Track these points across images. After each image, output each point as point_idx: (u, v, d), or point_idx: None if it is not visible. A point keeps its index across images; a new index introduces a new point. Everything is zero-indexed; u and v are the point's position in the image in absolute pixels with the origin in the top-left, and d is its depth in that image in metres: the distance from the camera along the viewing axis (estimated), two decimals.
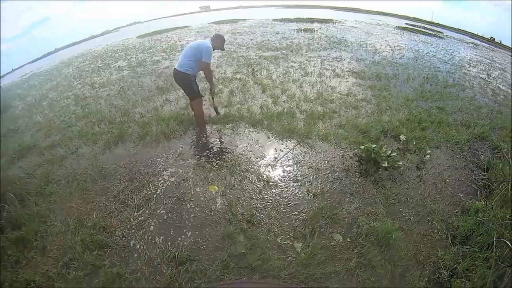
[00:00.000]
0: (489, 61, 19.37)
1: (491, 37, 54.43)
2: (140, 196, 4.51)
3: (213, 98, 6.80)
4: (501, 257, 3.29)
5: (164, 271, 3.26)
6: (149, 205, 4.30)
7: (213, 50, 5.81)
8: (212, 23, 34.78)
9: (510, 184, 4.50)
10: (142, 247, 3.63)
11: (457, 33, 48.76)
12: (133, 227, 3.93)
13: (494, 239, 3.47)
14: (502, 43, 49.90)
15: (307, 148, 5.61)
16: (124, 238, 3.77)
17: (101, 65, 17.69)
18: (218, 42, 5.94)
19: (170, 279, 3.15)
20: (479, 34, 54.82)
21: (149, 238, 3.75)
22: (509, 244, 3.28)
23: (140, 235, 3.80)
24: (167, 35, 28.57)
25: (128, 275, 3.25)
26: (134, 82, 11.44)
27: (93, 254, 3.49)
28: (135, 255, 3.54)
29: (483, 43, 38.68)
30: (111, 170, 5.24)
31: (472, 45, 30.42)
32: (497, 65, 18.76)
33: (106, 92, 10.72)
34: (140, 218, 4.07)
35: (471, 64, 16.22)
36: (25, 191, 4.84)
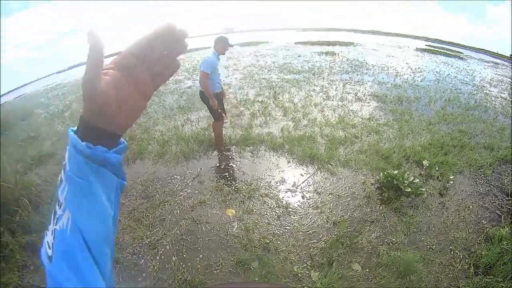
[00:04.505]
0: (510, 80, 19.12)
1: (511, 55, 53.77)
2: (155, 214, 4.54)
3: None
4: None
5: None
6: (164, 225, 4.31)
7: (218, 55, 5.61)
8: (235, 44, 35.01)
9: None
10: (153, 267, 3.63)
11: (476, 52, 48.37)
12: (146, 245, 3.94)
13: None
14: None
15: (328, 174, 5.58)
16: (135, 256, 3.79)
17: None
18: (220, 46, 5.61)
19: None
20: (498, 53, 54.25)
21: (162, 258, 3.76)
22: None
23: (152, 254, 3.81)
24: (190, 55, 28.74)
25: None
26: (156, 100, 11.43)
27: None
28: (144, 274, 3.55)
29: (503, 61, 38.20)
30: (128, 186, 5.25)
31: (492, 64, 30.09)
32: None
33: None
34: (153, 237, 4.08)
35: (492, 84, 16.01)
36: (40, 198, 4.93)
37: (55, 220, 0.57)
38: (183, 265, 3.64)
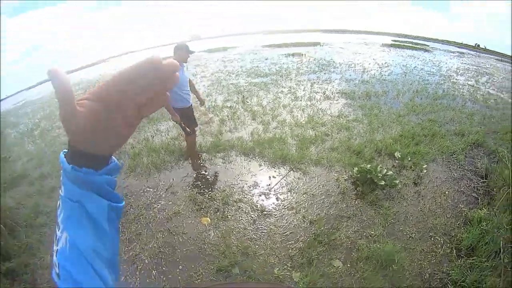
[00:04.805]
0: (476, 68, 19.62)
1: (476, 44, 55.11)
2: (131, 229, 4.42)
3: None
4: (510, 263, 3.20)
5: None
6: (140, 239, 4.21)
7: (180, 64, 4.93)
8: (202, 51, 34.81)
9: (510, 186, 4.42)
10: (134, 282, 3.55)
11: (442, 44, 49.33)
12: (124, 261, 3.84)
13: (501, 246, 3.39)
14: (486, 48, 50.52)
15: (301, 173, 5.54)
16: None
17: None
18: (180, 54, 5.00)
19: None
20: (463, 43, 55.48)
21: (141, 273, 3.67)
22: None
23: (131, 270, 3.72)
24: None
25: None
26: None
27: None
28: None
29: (469, 51, 39.17)
30: None
31: (457, 54, 30.82)
32: (484, 70, 19.03)
33: None
34: (131, 253, 3.97)
35: (459, 73, 16.43)
36: (15, 222, 4.79)
37: (57, 241, 0.61)
38: (164, 278, 3.57)
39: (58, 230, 0.61)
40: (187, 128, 5.59)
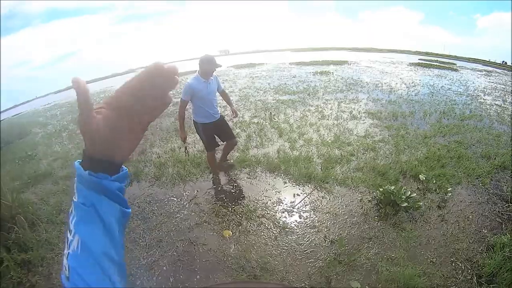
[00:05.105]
0: (503, 86, 19.20)
1: (503, 61, 54.00)
2: (152, 236, 4.52)
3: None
4: None
5: None
6: (161, 246, 4.29)
7: (204, 78, 4.98)
8: (230, 67, 34.91)
9: None
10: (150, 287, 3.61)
11: (469, 62, 48.46)
12: (142, 266, 3.93)
13: None
14: None
15: (325, 193, 5.54)
16: (131, 277, 3.76)
17: None
18: (205, 68, 4.91)
19: None
20: (490, 60, 54.50)
21: (158, 279, 3.74)
22: None
23: (149, 275, 3.79)
24: (186, 77, 28.49)
25: None
26: (152, 122, 11.31)
27: None
28: None
29: (496, 69, 38.36)
30: None
31: (485, 72, 30.25)
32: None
33: None
34: (150, 258, 4.06)
35: (486, 92, 16.11)
36: (37, 216, 4.95)
37: (68, 245, 0.64)
38: (181, 286, 3.62)
39: (70, 234, 0.64)
40: (187, 150, 5.72)
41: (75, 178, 0.65)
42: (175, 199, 5.54)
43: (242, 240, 4.36)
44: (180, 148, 8.13)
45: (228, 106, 6.13)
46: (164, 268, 3.91)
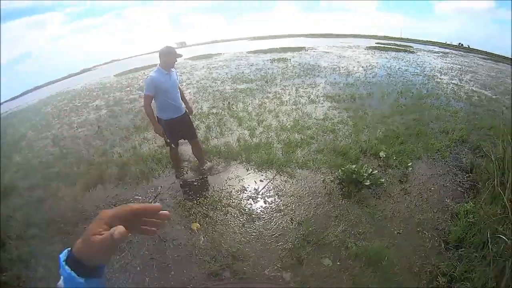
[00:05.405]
0: (459, 66, 19.85)
1: (459, 43, 55.54)
2: None
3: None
4: (498, 253, 3.23)
5: None
6: (132, 247, 4.19)
7: (167, 69, 4.83)
8: (187, 59, 34.52)
9: (495, 179, 4.46)
10: None
11: (426, 45, 49.58)
12: (117, 269, 3.83)
13: (488, 236, 3.42)
14: (470, 47, 51.02)
15: (287, 177, 5.56)
16: (107, 282, 3.65)
17: (79, 104, 17.33)
18: (166, 58, 4.77)
19: None
20: (447, 43, 55.92)
21: (134, 280, 3.66)
22: (505, 238, 3.22)
23: (124, 277, 3.71)
24: (144, 73, 27.98)
25: None
26: (111, 121, 11.26)
27: None
28: None
29: (452, 51, 39.49)
30: (92, 212, 5.08)
31: (441, 54, 31.12)
32: (468, 68, 19.26)
33: (84, 132, 10.53)
34: (123, 261, 3.95)
35: (443, 72, 16.67)
36: (5, 234, 4.75)
37: None
38: (157, 285, 3.57)
39: None
40: (167, 141, 5.26)
41: (61, 270, 0.71)
42: (140, 197, 5.43)
43: (210, 231, 4.33)
44: (140, 145, 7.97)
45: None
46: (138, 268, 3.83)
